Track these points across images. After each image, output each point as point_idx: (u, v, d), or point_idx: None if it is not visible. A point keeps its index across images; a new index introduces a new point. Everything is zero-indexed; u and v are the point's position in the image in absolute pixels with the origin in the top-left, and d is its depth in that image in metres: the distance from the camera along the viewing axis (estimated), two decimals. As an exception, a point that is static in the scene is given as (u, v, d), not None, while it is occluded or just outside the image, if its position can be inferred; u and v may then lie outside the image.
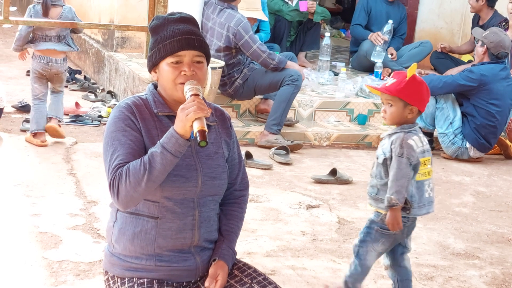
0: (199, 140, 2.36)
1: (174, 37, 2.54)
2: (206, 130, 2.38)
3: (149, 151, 2.44)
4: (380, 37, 7.63)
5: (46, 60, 5.74)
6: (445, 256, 4.31)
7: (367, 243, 3.39)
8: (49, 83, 5.85)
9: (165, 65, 2.54)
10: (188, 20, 2.61)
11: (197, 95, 2.45)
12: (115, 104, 6.82)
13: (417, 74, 7.50)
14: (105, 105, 6.83)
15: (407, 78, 3.28)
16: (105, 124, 6.39)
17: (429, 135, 6.47)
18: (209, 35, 6.21)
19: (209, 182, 2.58)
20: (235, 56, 6.21)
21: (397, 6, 8.04)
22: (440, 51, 8.11)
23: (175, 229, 2.55)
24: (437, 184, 5.69)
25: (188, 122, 2.38)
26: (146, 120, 2.55)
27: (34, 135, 5.61)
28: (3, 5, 6.20)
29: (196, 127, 2.37)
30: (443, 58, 8.13)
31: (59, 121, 5.78)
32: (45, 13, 5.80)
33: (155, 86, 2.65)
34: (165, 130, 2.48)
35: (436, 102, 6.35)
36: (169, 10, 4.92)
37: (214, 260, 2.63)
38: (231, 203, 2.75)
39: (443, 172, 6.02)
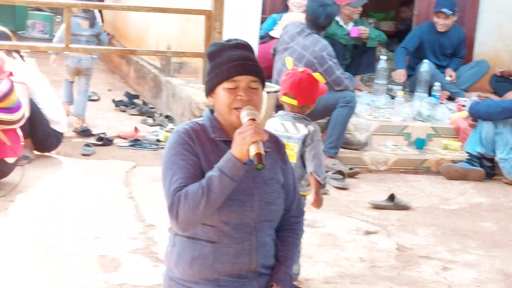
0: (256, 163, 2.38)
1: (230, 62, 2.57)
2: (263, 153, 2.40)
3: (207, 175, 2.47)
4: (401, 76, 7.55)
5: (78, 58, 6.94)
6: (508, 284, 4.22)
7: None
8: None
9: (222, 90, 2.58)
10: (244, 46, 2.64)
11: (254, 119, 2.48)
12: (173, 128, 6.90)
13: (476, 97, 7.43)
14: (163, 129, 6.91)
15: None
16: (163, 148, 6.46)
17: (491, 160, 6.36)
18: (287, 54, 6.22)
19: (265, 208, 2.59)
20: None
21: (452, 31, 7.94)
22: (499, 75, 7.99)
23: (233, 254, 2.57)
24: (499, 210, 5.58)
25: (245, 145, 2.41)
26: (203, 145, 2.58)
27: (64, 104, 6.80)
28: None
29: (253, 150, 2.40)
30: (503, 82, 8.00)
31: (81, 116, 6.90)
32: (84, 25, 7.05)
33: (212, 111, 2.68)
34: (221, 155, 2.51)
35: (495, 127, 6.24)
36: (224, 37, 4.97)
37: (272, 285, 2.63)
38: (287, 230, 2.76)
39: (505, 198, 5.90)
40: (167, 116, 7.37)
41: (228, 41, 2.66)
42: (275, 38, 6.93)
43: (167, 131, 6.78)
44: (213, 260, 2.56)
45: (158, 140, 6.60)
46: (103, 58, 10.35)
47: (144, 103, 7.99)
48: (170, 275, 2.67)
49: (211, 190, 2.43)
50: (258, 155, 2.39)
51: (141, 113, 7.64)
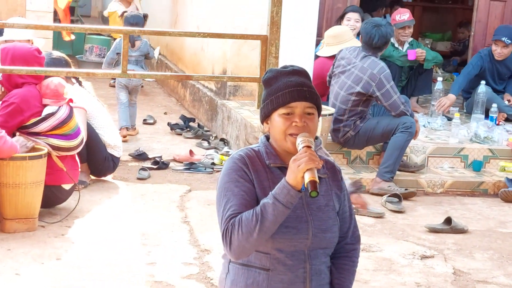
0: (310, 191, 2.37)
1: (286, 89, 2.58)
2: (317, 181, 2.39)
3: (261, 202, 2.47)
4: (442, 107, 7.42)
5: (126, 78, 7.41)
6: None
7: None
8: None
9: (277, 116, 2.58)
10: (300, 72, 2.64)
11: (309, 147, 2.47)
12: (228, 152, 6.95)
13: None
14: (218, 153, 6.95)
15: None
16: (218, 171, 6.51)
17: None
18: (344, 77, 6.22)
19: (319, 235, 2.58)
20: (362, 104, 6.19)
21: (510, 57, 7.82)
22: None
23: (287, 282, 2.55)
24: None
25: (300, 173, 2.40)
26: (258, 171, 2.58)
27: (121, 130, 7.26)
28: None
29: (307, 177, 2.39)
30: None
31: (133, 126, 7.64)
32: (132, 45, 7.55)
33: (267, 138, 2.68)
34: (276, 182, 2.51)
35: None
36: (280, 61, 4.99)
37: (328, 313, 2.61)
38: (343, 257, 2.73)
39: None
40: (222, 139, 7.41)
41: (284, 67, 2.67)
42: (320, 56, 6.91)
43: (222, 154, 6.82)
44: (267, 288, 2.55)
45: (213, 164, 6.64)
46: (159, 81, 10.50)
47: (200, 126, 8.06)
48: (224, 302, 2.67)
49: (265, 217, 2.43)
50: (313, 182, 2.38)
51: (197, 136, 7.70)
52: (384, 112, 6.34)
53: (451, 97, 7.53)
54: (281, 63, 5.00)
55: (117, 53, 7.66)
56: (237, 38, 6.92)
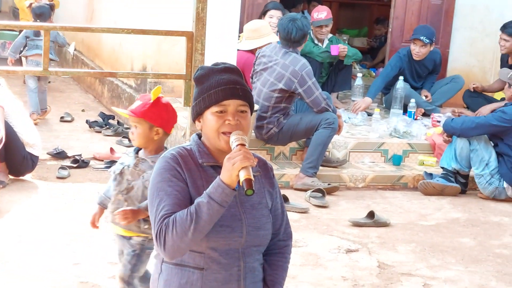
0: (245, 189, 2.36)
1: (218, 86, 2.55)
2: (253, 179, 2.38)
3: (196, 201, 2.44)
4: (357, 110, 7.51)
5: (36, 62, 7.60)
6: (489, 300, 4.24)
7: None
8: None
9: (210, 115, 2.55)
10: (231, 70, 2.62)
11: (243, 145, 2.46)
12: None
13: (450, 113, 7.50)
14: (139, 150, 6.85)
15: (151, 101, 3.34)
16: (140, 169, 6.42)
17: (465, 177, 6.42)
18: (266, 74, 6.22)
19: (253, 233, 2.57)
20: (285, 101, 6.21)
21: (429, 57, 7.99)
22: (472, 90, 8.08)
23: (221, 280, 2.54)
24: (476, 225, 5.62)
25: (235, 171, 2.39)
26: (191, 171, 2.55)
27: (32, 114, 7.47)
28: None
29: (243, 176, 2.38)
30: (476, 97, 8.09)
31: (43, 109, 7.94)
32: (37, 34, 7.78)
33: (199, 136, 2.66)
34: (210, 181, 2.49)
35: (470, 144, 6.29)
36: (206, 58, 4.96)
37: (261, 310, 2.61)
38: (275, 253, 2.74)
39: (481, 213, 5.95)
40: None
41: (216, 64, 2.64)
42: (240, 50, 6.89)
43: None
44: (201, 287, 2.53)
45: (134, 161, 6.54)
46: (75, 78, 10.27)
47: (119, 123, 7.94)
48: (157, 303, 2.62)
49: (199, 216, 2.41)
50: (248, 181, 2.37)
51: (117, 134, 7.58)
52: (307, 108, 6.39)
53: (367, 100, 7.61)
54: (207, 60, 4.99)
55: (26, 37, 7.86)
56: (162, 35, 6.82)
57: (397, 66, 7.90)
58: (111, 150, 6.77)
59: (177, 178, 2.52)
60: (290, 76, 6.10)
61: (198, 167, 2.57)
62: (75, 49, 9.28)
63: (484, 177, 6.27)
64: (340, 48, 7.64)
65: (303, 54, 7.47)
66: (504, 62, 7.94)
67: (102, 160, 6.58)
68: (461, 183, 6.39)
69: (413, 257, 4.82)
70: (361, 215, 5.53)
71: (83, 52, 10.31)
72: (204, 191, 2.44)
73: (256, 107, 6.16)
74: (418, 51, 7.82)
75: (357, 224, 5.35)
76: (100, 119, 8.00)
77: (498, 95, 8.19)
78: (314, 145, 6.12)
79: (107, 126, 7.81)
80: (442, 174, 6.41)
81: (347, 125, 7.17)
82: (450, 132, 6.40)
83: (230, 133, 2.52)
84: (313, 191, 5.85)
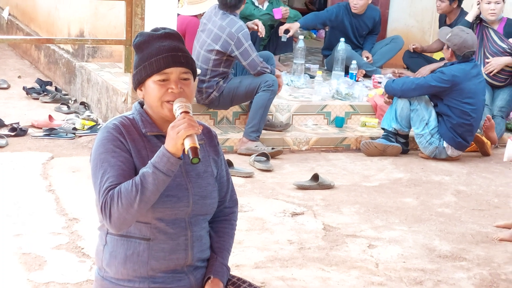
0: (191, 157, 2.32)
1: (160, 54, 2.49)
2: (198, 146, 2.35)
3: (141, 172, 2.39)
4: (282, 31, 7.54)
5: None
6: (432, 259, 4.30)
7: None
8: None
9: (152, 83, 2.50)
10: (173, 36, 2.56)
11: (187, 112, 2.41)
12: (89, 116, 6.74)
13: (391, 74, 7.55)
14: (79, 117, 6.73)
15: None
16: (80, 136, 6.31)
17: (405, 137, 6.49)
18: (204, 35, 6.13)
19: (200, 202, 2.55)
20: (223, 65, 6.13)
21: (368, 13, 8.01)
22: (412, 51, 8.14)
23: (168, 250, 2.52)
24: (418, 184, 5.69)
25: (179, 139, 2.35)
26: (135, 141, 2.50)
27: None
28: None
29: (188, 144, 2.34)
30: (416, 57, 8.16)
31: None
32: None
33: (142, 105, 2.60)
34: (154, 150, 2.44)
35: (410, 104, 6.35)
36: (147, 23, 4.86)
37: (209, 278, 2.60)
38: (222, 220, 2.73)
39: (422, 172, 6.02)
40: (82, 103, 7.18)
41: (155, 30, 2.57)
42: (179, 14, 6.79)
43: (83, 119, 6.61)
44: (148, 258, 2.50)
45: (74, 128, 6.43)
46: (9, 43, 9.99)
47: (57, 90, 7.76)
48: (102, 275, 2.59)
49: (145, 187, 2.36)
50: (194, 149, 2.33)
51: (55, 101, 7.42)
52: (246, 71, 6.35)
53: (295, 24, 7.63)
54: (147, 25, 4.88)
55: None
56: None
57: (333, 12, 7.93)
58: (50, 117, 6.62)
59: (120, 149, 2.47)
60: (227, 37, 6.04)
61: (141, 137, 2.52)
62: (9, 14, 9.01)
63: (424, 136, 6.34)
64: (282, 11, 7.60)
65: (244, 17, 7.41)
66: (442, 22, 8.01)
67: (41, 128, 6.43)
68: (401, 143, 6.46)
69: (357, 219, 4.87)
70: (305, 178, 5.54)
71: (17, 16, 10.01)
72: (149, 161, 2.40)
73: (198, 71, 6.08)
74: (356, 2, 7.85)
75: (301, 187, 5.37)
76: (37, 86, 7.81)
77: (437, 55, 8.28)
78: (255, 108, 6.09)
79: (45, 93, 7.62)
80: (383, 135, 6.47)
81: (290, 88, 7.15)
82: (391, 93, 6.44)
83: (173, 101, 2.47)
84: (257, 155, 5.84)
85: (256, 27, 6.54)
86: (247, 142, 6.07)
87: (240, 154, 6.07)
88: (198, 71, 6.07)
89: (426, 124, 6.33)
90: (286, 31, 7.56)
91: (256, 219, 4.70)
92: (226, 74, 6.21)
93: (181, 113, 2.41)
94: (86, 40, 6.66)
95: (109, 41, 5.98)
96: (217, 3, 6.24)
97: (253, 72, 6.11)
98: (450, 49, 6.24)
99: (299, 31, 8.30)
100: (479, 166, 6.33)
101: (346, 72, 7.53)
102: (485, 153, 6.66)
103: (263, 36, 6.75)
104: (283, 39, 7.58)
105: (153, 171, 2.36)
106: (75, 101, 7.45)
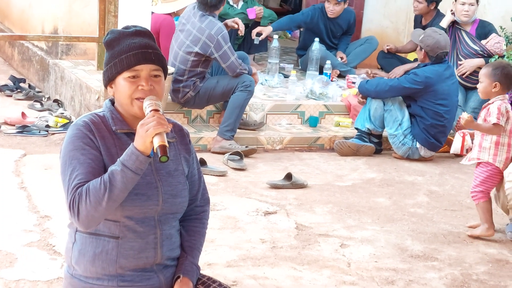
0: (160, 156, 2.31)
1: (130, 51, 2.49)
2: (167, 145, 2.34)
3: (109, 170, 2.38)
4: (254, 35, 7.57)
5: None
6: (404, 258, 4.33)
7: None
8: None
9: (122, 80, 2.49)
10: (143, 33, 2.56)
11: (156, 110, 2.41)
12: (63, 113, 6.70)
13: (365, 75, 7.58)
14: (52, 114, 6.68)
15: None
16: (53, 134, 6.27)
17: (378, 137, 6.52)
18: (183, 36, 6.10)
19: (170, 200, 2.54)
20: (201, 65, 6.12)
21: (343, 16, 8.03)
22: (386, 51, 8.18)
23: (137, 249, 2.51)
24: (391, 184, 5.72)
25: (148, 137, 2.34)
26: (104, 138, 2.49)
27: None
28: None
29: (157, 142, 2.33)
30: (390, 58, 8.19)
31: None
32: None
33: (112, 102, 2.59)
34: (124, 148, 2.43)
35: (384, 104, 6.38)
36: (120, 20, 4.83)
37: (178, 277, 2.60)
38: (193, 219, 2.73)
39: (395, 173, 6.06)
40: (56, 100, 7.14)
41: (126, 28, 2.57)
42: (153, 13, 6.76)
43: (56, 116, 6.57)
44: (117, 256, 2.49)
45: (47, 126, 6.38)
46: (-17, 39, 9.89)
47: (31, 87, 7.70)
48: (71, 273, 2.57)
49: (113, 185, 2.35)
50: (162, 147, 2.33)
51: (28, 98, 7.36)
52: (223, 70, 6.34)
53: (268, 28, 7.64)
54: (120, 22, 4.85)
55: None
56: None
57: (309, 15, 7.95)
58: (23, 114, 6.56)
59: (90, 146, 2.46)
60: (206, 40, 6.02)
61: (111, 134, 2.51)
62: (-18, 10, 8.93)
63: (397, 137, 6.38)
64: (256, 10, 7.61)
65: (219, 16, 7.39)
66: (417, 23, 8.05)
67: (14, 125, 6.38)
68: (375, 143, 6.49)
69: (330, 218, 4.88)
70: (278, 177, 5.55)
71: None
72: (118, 159, 2.39)
73: (171, 69, 6.06)
74: (332, 9, 7.88)
75: (275, 186, 5.37)
76: (10, 83, 7.74)
77: (411, 56, 8.33)
78: (231, 108, 6.09)
79: (18, 90, 7.56)
80: (356, 135, 6.50)
81: (264, 87, 7.15)
82: (365, 94, 6.47)
83: (143, 98, 2.46)
84: (231, 154, 5.83)
85: (236, 26, 6.53)
86: (221, 141, 6.06)
87: (213, 152, 6.06)
88: (171, 69, 6.06)
89: (400, 124, 6.36)
90: (258, 34, 7.58)
91: (228, 218, 4.70)
92: (203, 74, 6.20)
93: (150, 111, 2.40)
94: (58, 37, 6.63)
95: (82, 39, 5.95)
96: (195, 2, 6.23)
97: (232, 74, 6.11)
98: (423, 50, 6.27)
99: (275, 35, 8.34)
100: (452, 166, 6.37)
101: (321, 72, 7.55)
102: (458, 154, 6.70)
103: (242, 34, 6.75)
104: (256, 41, 7.59)
105: (122, 169, 2.35)
106: (49, 98, 7.40)
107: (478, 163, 4.77)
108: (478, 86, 4.83)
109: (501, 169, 4.71)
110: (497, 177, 4.73)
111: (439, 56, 6.23)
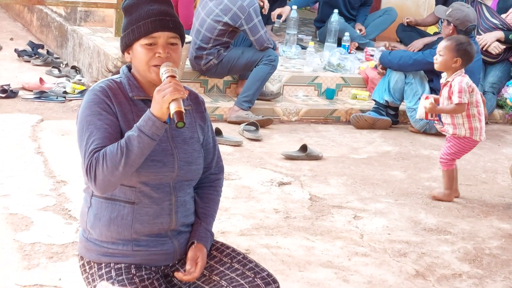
0: (176, 121, 2.32)
1: (148, 18, 2.48)
2: (183, 111, 2.34)
3: (126, 135, 2.40)
4: (276, 14, 7.51)
5: None
6: (417, 231, 4.34)
7: None
8: None
9: (139, 47, 2.49)
10: (162, 0, 2.55)
11: (173, 76, 2.41)
12: (80, 80, 6.72)
13: (383, 47, 7.53)
14: (69, 81, 6.71)
15: None
16: (71, 100, 6.30)
17: (395, 109, 6.50)
18: (212, 4, 6.06)
19: (185, 167, 2.55)
20: (227, 36, 6.11)
21: None
22: (406, 24, 8.12)
23: (152, 214, 2.53)
24: (406, 158, 5.72)
25: (165, 103, 2.34)
26: (121, 104, 2.50)
27: None
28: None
29: (173, 108, 2.34)
30: (409, 31, 8.13)
31: None
32: None
33: (129, 68, 2.59)
34: (140, 114, 2.44)
35: (405, 77, 6.35)
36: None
37: (192, 243, 2.61)
38: (207, 187, 2.74)
39: (411, 146, 6.05)
40: (73, 67, 7.17)
41: (145, -7, 2.56)
42: None
43: (74, 83, 6.60)
44: (132, 221, 2.51)
45: (65, 92, 6.42)
46: (3, 5, 9.93)
47: (49, 53, 7.73)
48: (86, 236, 2.60)
49: (130, 150, 2.37)
50: (179, 113, 2.33)
51: (46, 64, 7.39)
52: (245, 41, 6.32)
53: (287, 8, 7.58)
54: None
55: None
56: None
57: None
58: (41, 80, 6.60)
59: (107, 112, 2.46)
60: (237, 11, 6.00)
61: (128, 101, 2.51)
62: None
63: (415, 111, 6.34)
64: None
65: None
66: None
67: (31, 91, 6.43)
68: (391, 115, 6.47)
69: (344, 190, 4.89)
70: (294, 148, 5.56)
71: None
72: (135, 125, 2.40)
73: (188, 38, 6.05)
74: None
75: (289, 157, 5.38)
76: (29, 48, 7.78)
77: (430, 30, 8.26)
78: (253, 79, 6.09)
79: (36, 56, 7.60)
80: (373, 107, 6.48)
81: (282, 58, 7.13)
82: (387, 65, 6.43)
83: (160, 66, 2.46)
84: (246, 125, 5.84)
85: (262, 3, 6.52)
86: (238, 111, 6.07)
87: (229, 122, 6.07)
88: (188, 38, 6.04)
89: (419, 98, 6.32)
90: (279, 16, 7.53)
91: (243, 188, 4.72)
92: (228, 44, 6.19)
93: (167, 77, 2.40)
94: (77, 3, 6.63)
95: (100, 5, 5.95)
96: None
97: (259, 48, 6.10)
98: (451, 24, 6.16)
99: (294, 6, 8.30)
100: (468, 141, 6.34)
101: (339, 44, 7.52)
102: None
103: (266, 13, 6.73)
104: (276, 24, 7.56)
105: (138, 134, 2.37)
106: (66, 65, 7.43)
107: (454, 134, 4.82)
108: (436, 58, 4.79)
109: (478, 140, 4.77)
110: (471, 148, 4.85)
111: (469, 29, 6.11)
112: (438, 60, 4.76)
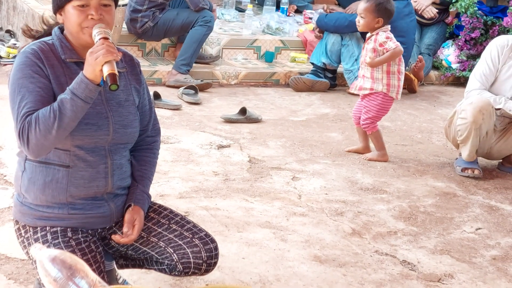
0: (109, 84, 2.30)
1: (80, -22, 2.44)
2: (117, 73, 2.33)
3: (59, 98, 2.37)
4: None
5: None
6: (354, 191, 4.41)
7: None
8: None
9: (71, 8, 2.45)
10: (95, -39, 2.51)
11: (106, 38, 2.39)
12: (15, 44, 6.59)
13: (322, 10, 7.55)
14: (4, 45, 6.57)
15: None
16: (5, 65, 6.17)
17: (333, 72, 6.55)
18: None
19: (120, 130, 2.54)
20: None
21: None
22: (344, -13, 8.15)
23: (88, 178, 2.52)
24: (344, 120, 5.79)
25: (98, 66, 2.33)
26: (54, 67, 2.47)
27: None
28: None
29: (106, 70, 2.32)
30: (347, -6, 8.17)
31: None
32: None
33: (62, 30, 2.56)
34: (73, 77, 2.42)
35: (342, 39, 6.40)
36: None
37: (129, 205, 2.62)
38: (144, 149, 2.74)
39: (349, 108, 6.11)
40: (8, 31, 7.01)
41: (77, -47, 2.52)
42: None
43: (8, 47, 6.47)
44: (67, 185, 2.50)
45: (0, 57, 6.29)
46: None
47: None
48: (21, 200, 2.58)
49: (63, 113, 2.35)
50: (112, 75, 2.31)
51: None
52: (181, 3, 6.27)
53: None
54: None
55: None
56: None
57: None
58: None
59: (39, 74, 2.44)
60: None
61: (61, 63, 2.49)
62: None
63: (353, 72, 6.42)
64: None
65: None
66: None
67: (-36, 56, 6.28)
68: (329, 78, 6.52)
69: (282, 152, 4.94)
70: (233, 111, 5.57)
71: None
72: (67, 87, 2.38)
73: (126, 0, 5.98)
74: None
75: (229, 121, 5.40)
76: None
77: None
78: (189, 42, 6.06)
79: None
80: (311, 70, 6.52)
81: (220, 21, 7.11)
82: (323, 28, 6.47)
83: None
84: (185, 88, 5.83)
85: None
86: (177, 75, 6.04)
87: (168, 86, 6.05)
88: (125, 0, 5.97)
89: (356, 60, 6.40)
90: None
91: (182, 151, 4.72)
92: (163, 6, 6.13)
93: (100, 39, 2.38)
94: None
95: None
96: None
97: (194, 8, 6.05)
98: None
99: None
100: (405, 103, 6.46)
101: (278, 7, 7.52)
102: (411, 90, 6.79)
103: None
104: None
105: (71, 97, 2.35)
106: (1, 29, 7.26)
107: (369, 94, 4.85)
108: (358, 20, 4.85)
109: (394, 98, 4.83)
110: (389, 106, 4.90)
111: None
112: (360, 23, 4.82)
